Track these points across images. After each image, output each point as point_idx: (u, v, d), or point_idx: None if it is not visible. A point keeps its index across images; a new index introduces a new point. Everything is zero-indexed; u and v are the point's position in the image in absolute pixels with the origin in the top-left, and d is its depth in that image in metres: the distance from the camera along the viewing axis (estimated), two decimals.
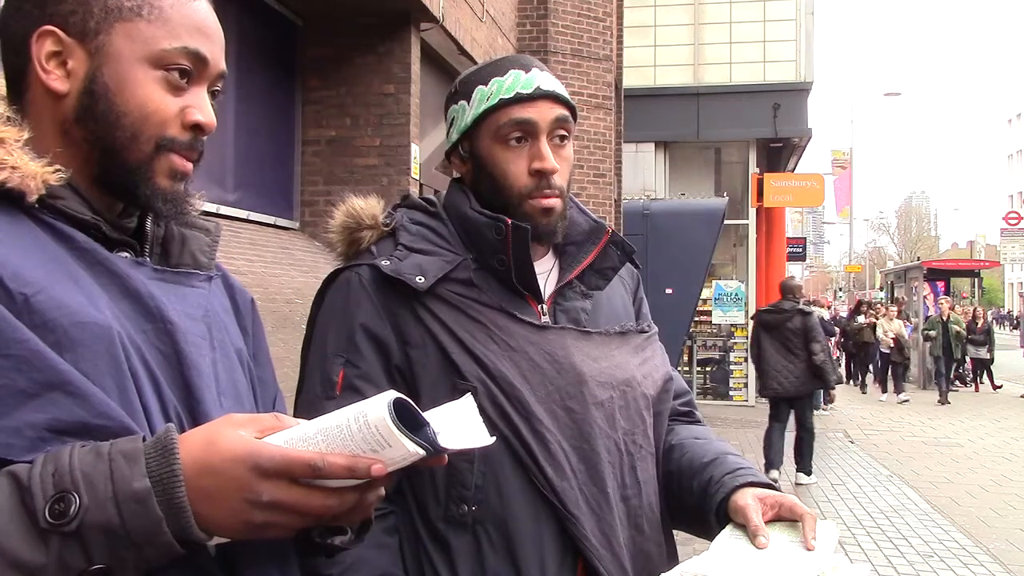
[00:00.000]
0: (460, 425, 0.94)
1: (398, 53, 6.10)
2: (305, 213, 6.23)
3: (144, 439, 0.83)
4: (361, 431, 0.81)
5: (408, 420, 0.83)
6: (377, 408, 0.81)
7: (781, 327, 8.20)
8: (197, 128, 1.02)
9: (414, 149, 6.11)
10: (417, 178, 6.19)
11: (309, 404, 1.37)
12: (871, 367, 18.75)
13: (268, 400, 1.21)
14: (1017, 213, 26.01)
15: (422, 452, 0.83)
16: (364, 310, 1.39)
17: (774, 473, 8.19)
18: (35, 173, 0.92)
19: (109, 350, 0.90)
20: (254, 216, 5.74)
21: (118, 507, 0.79)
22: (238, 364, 1.09)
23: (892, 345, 16.67)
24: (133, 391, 0.90)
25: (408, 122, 6.06)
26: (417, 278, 1.37)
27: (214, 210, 5.24)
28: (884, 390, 16.99)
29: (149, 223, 1.06)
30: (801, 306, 8.38)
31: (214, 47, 1.03)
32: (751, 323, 9.33)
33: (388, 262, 1.39)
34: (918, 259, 33.84)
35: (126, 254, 1.01)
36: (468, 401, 0.98)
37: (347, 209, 1.48)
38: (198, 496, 0.81)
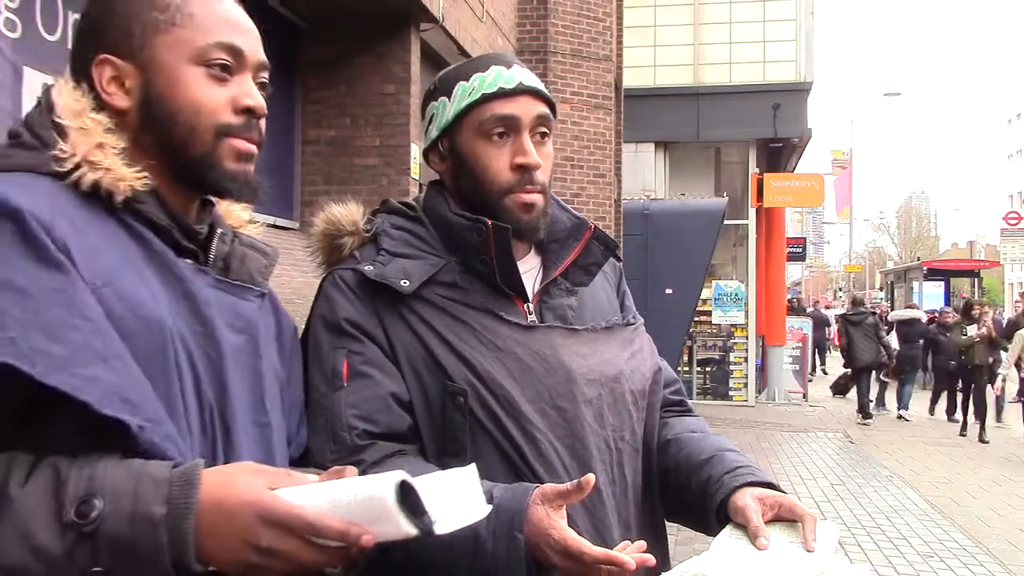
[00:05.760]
0: (459, 495, 1.00)
1: (398, 53, 6.10)
2: (305, 213, 6.23)
3: (176, 465, 0.92)
4: (364, 502, 0.90)
5: (411, 500, 0.91)
6: (384, 488, 0.89)
7: (862, 323, 13.59)
8: (249, 112, 1.12)
9: (414, 149, 6.11)
10: (417, 178, 6.19)
11: (315, 404, 1.35)
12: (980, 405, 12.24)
13: (297, 423, 1.28)
14: (1017, 213, 25.95)
15: (415, 533, 0.91)
16: (349, 308, 1.38)
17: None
18: (125, 177, 1.05)
19: (161, 345, 1.00)
20: (254, 216, 5.73)
21: (133, 524, 0.87)
22: (275, 379, 1.19)
23: None
24: (176, 384, 1.01)
25: (408, 122, 6.06)
26: (402, 281, 1.37)
27: None
28: None
29: (216, 241, 1.17)
30: (871, 310, 14.94)
31: (248, 39, 1.14)
32: (840, 322, 14.71)
33: (372, 267, 1.39)
34: (918, 259, 33.90)
35: (191, 261, 1.11)
36: (471, 471, 1.03)
37: (327, 216, 1.48)
38: (205, 530, 0.89)
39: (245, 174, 1.13)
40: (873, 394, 14.82)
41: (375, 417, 1.32)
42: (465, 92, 1.43)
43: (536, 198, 1.43)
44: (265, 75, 1.17)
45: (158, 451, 0.94)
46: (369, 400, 1.33)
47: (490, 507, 1.02)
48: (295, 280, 5.16)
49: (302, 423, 1.30)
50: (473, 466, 1.02)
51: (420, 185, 6.41)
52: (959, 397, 13.09)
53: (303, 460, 1.30)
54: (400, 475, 0.90)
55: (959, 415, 12.82)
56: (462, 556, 1.21)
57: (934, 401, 14.51)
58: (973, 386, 12.43)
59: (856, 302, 14.68)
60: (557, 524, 1.18)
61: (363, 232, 1.46)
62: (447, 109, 1.45)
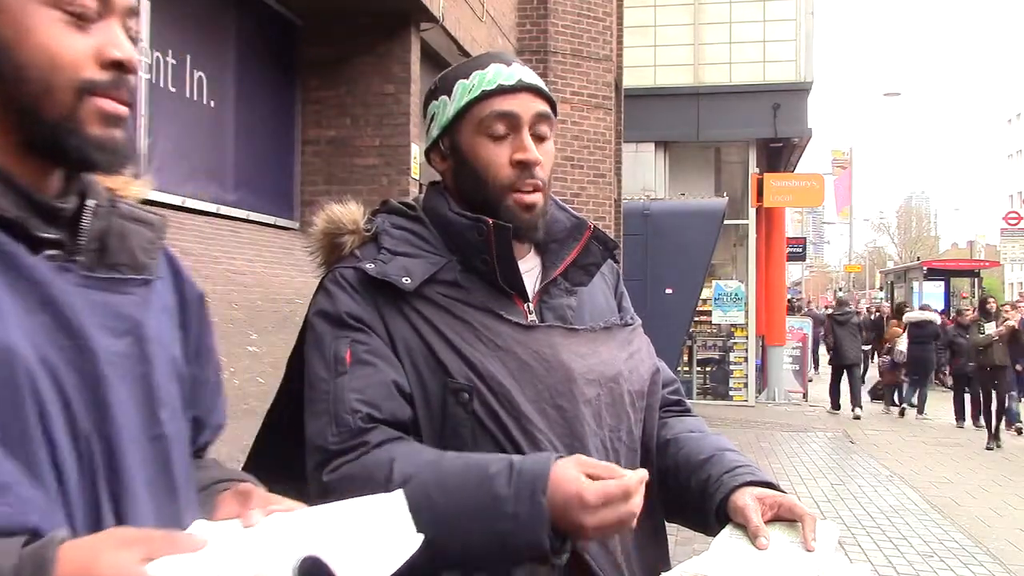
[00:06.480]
0: (382, 531, 0.89)
1: (398, 53, 6.10)
2: (305, 213, 6.23)
3: (27, 542, 0.77)
4: None
5: (316, 573, 0.79)
6: (278, 570, 0.78)
7: (847, 323, 14.82)
8: (118, 66, 0.92)
9: (414, 149, 6.11)
10: (417, 178, 6.19)
11: (317, 390, 1.35)
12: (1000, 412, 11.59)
13: (209, 404, 1.14)
14: (1017, 213, 26.00)
15: None
16: (351, 303, 1.38)
17: (857, 411, 14.07)
18: None
19: (9, 376, 0.82)
20: (254, 216, 5.74)
21: None
22: (172, 378, 1.01)
23: None
24: (33, 421, 0.83)
25: (408, 122, 6.07)
26: (404, 279, 1.37)
27: (214, 210, 5.24)
28: None
29: (86, 217, 0.96)
30: (855, 310, 15.96)
31: None
32: (827, 322, 16.19)
33: (373, 265, 1.39)
34: (918, 259, 33.87)
35: (55, 251, 0.92)
36: (397, 497, 0.94)
37: (327, 216, 1.47)
38: None
39: (113, 140, 0.93)
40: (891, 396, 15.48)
41: (378, 403, 1.32)
42: (465, 90, 1.43)
43: (536, 198, 1.43)
44: (135, 24, 0.97)
45: (13, 522, 0.78)
46: (373, 386, 1.33)
47: (421, 536, 0.92)
48: (295, 280, 5.17)
49: (216, 404, 1.16)
50: (400, 492, 0.97)
51: (420, 185, 6.42)
52: (966, 399, 12.88)
53: (270, 452, 1.26)
54: (299, 556, 0.79)
55: (969, 420, 12.73)
56: (478, 518, 1.20)
57: (959, 412, 13.12)
58: (994, 389, 11.58)
59: (841, 303, 16.27)
60: (584, 479, 1.19)
61: (364, 231, 1.45)
62: (448, 107, 1.45)
